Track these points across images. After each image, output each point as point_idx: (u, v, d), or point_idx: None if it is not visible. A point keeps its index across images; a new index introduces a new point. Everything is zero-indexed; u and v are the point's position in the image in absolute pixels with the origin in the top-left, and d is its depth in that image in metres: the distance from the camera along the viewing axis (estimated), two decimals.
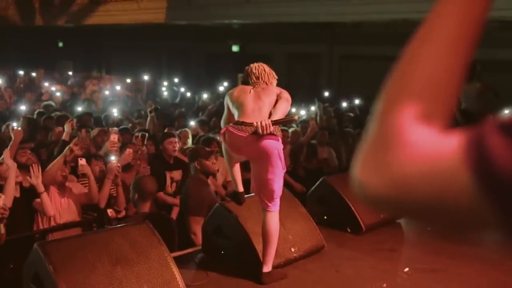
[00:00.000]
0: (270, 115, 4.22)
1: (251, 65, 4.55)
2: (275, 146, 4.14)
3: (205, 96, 13.66)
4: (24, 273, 3.97)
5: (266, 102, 4.24)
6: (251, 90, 4.32)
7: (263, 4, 14.60)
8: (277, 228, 4.40)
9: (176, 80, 18.02)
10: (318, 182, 6.15)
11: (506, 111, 5.76)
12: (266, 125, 3.97)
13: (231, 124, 4.26)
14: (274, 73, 4.56)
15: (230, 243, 4.89)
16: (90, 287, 3.68)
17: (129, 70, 18.94)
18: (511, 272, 4.61)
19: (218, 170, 7.05)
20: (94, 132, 7.77)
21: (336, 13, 13.32)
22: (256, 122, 4.01)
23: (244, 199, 4.68)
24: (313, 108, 10.07)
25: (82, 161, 5.60)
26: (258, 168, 4.32)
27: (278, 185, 4.30)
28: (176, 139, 6.92)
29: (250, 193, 4.92)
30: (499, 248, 4.58)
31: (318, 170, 7.62)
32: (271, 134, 4.06)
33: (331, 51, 18.17)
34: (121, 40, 22.45)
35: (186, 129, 8.38)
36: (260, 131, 3.98)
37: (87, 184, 5.67)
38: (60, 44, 24.79)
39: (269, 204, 4.35)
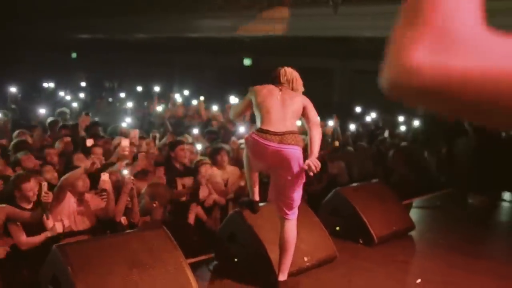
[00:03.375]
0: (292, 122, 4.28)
1: (285, 67, 4.55)
2: (299, 156, 4.18)
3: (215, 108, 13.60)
4: (42, 274, 4.02)
5: (290, 112, 4.28)
6: (279, 95, 4.33)
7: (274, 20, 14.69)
8: (295, 236, 4.43)
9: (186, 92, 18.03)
10: (330, 194, 6.17)
11: None
12: (315, 166, 4.04)
13: (255, 131, 4.27)
14: (302, 82, 4.58)
15: (244, 251, 4.93)
16: None
17: (141, 82, 19.01)
18: None
19: (228, 179, 7.09)
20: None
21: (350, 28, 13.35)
22: (308, 165, 4.04)
23: (259, 208, 4.73)
24: (330, 123, 9.96)
25: (105, 177, 5.55)
26: (279, 177, 4.32)
27: (298, 194, 4.33)
28: (187, 147, 6.97)
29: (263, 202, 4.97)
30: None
31: (328, 185, 7.60)
32: (295, 143, 4.14)
33: (343, 65, 18.19)
34: (134, 52, 22.58)
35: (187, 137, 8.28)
36: (312, 173, 4.09)
37: (105, 197, 5.70)
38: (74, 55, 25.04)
39: (288, 213, 4.37)
